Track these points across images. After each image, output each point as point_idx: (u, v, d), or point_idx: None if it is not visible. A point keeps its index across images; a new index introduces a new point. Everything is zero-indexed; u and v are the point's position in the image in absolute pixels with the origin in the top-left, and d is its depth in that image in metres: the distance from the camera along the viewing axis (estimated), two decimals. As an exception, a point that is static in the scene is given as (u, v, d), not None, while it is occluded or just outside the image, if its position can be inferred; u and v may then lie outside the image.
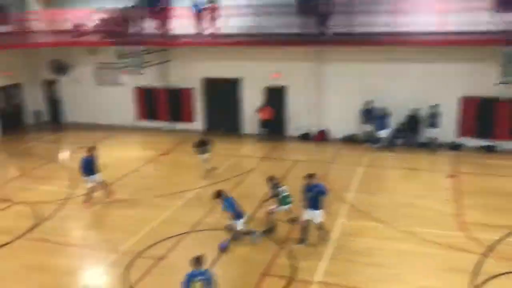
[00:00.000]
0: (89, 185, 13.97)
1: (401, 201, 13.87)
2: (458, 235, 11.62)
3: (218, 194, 11.39)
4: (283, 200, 11.84)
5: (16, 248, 11.54)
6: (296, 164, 17.58)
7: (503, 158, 17.56)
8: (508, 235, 11.54)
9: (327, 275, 10.08)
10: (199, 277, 7.81)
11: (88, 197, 14.02)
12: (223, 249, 10.96)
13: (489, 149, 18.40)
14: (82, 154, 14.10)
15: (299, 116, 21.02)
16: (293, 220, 12.09)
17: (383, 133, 18.96)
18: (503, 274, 9.86)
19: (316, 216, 11.05)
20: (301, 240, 11.28)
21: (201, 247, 10.88)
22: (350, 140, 20.22)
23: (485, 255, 10.63)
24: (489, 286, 9.53)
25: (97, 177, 14.06)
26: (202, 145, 16.45)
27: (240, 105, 21.90)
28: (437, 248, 11.09)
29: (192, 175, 16.68)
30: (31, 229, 12.50)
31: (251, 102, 21.41)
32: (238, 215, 11.27)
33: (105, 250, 11.31)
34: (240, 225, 11.28)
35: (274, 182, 12.04)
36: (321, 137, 20.64)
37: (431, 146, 18.68)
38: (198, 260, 7.97)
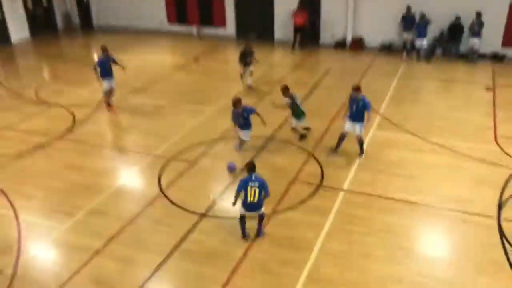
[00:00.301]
0: (105, 87, 13.92)
1: (436, 113, 13.57)
2: (492, 149, 11.42)
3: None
4: (296, 112, 11.69)
5: (54, 149, 12.00)
6: (328, 72, 17.20)
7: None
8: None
9: (355, 183, 10.18)
10: (256, 183, 7.94)
11: (107, 100, 14.12)
12: (232, 169, 10.61)
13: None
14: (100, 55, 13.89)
15: (334, 22, 20.20)
16: (302, 136, 11.98)
17: (423, 42, 18.15)
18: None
19: (357, 128, 10.97)
20: (336, 148, 11.33)
21: (232, 154, 11.11)
22: (387, 48, 19.52)
23: (518, 170, 10.50)
24: (519, 200, 9.51)
25: (113, 82, 14.00)
26: (245, 57, 15.33)
27: (272, 9, 21.09)
28: (469, 161, 10.97)
29: (224, 82, 16.58)
30: (67, 131, 12.90)
31: (284, 6, 20.57)
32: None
33: (139, 153, 11.65)
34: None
35: (288, 93, 11.57)
36: (357, 45, 19.95)
37: (472, 56, 17.85)
38: (252, 166, 8.06)
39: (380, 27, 19.49)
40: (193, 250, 8.26)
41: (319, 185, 10.12)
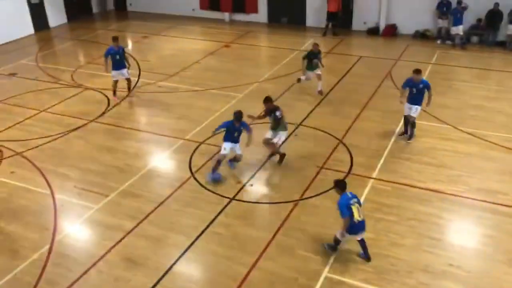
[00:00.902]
0: (114, 77, 13.80)
1: (470, 102, 13.30)
2: (527, 140, 11.16)
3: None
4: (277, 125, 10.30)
5: (89, 131, 12.33)
6: (360, 60, 17.01)
7: None
8: None
9: (384, 172, 10.14)
10: (354, 200, 7.39)
11: (114, 88, 13.98)
12: (213, 179, 9.91)
13: None
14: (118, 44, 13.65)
15: (368, 8, 19.90)
16: (281, 158, 10.49)
17: (459, 29, 17.70)
18: None
19: (413, 110, 10.97)
20: (405, 132, 11.36)
21: (259, 140, 11.16)
22: (422, 35, 19.14)
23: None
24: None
25: (125, 71, 13.86)
26: (311, 59, 13.38)
27: (305, -5, 20.94)
28: (502, 151, 10.75)
29: (255, 68, 16.62)
30: (102, 114, 13.22)
31: (317, -8, 20.39)
32: None
33: (171, 137, 11.86)
34: None
35: (270, 106, 10.21)
36: (390, 31, 19.63)
37: (510, 44, 17.32)
38: (344, 184, 7.51)
39: (415, 13, 19.09)
40: (221, 233, 8.43)
41: (348, 173, 10.11)
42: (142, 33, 14.19)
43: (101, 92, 14.62)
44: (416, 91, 10.85)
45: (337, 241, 7.68)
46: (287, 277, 7.45)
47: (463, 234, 8.47)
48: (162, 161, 11.08)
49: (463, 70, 16.03)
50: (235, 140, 9.98)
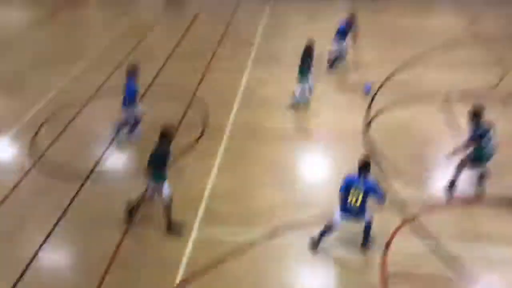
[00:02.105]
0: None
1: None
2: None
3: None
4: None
5: None
6: (198, 17, 16.81)
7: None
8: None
9: (239, 120, 10.48)
10: (359, 187, 6.60)
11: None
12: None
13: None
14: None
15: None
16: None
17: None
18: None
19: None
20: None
21: (108, 112, 10.56)
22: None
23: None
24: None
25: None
26: (305, 59, 10.86)
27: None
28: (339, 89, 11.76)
29: (89, 37, 15.51)
30: None
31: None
32: None
33: (6, 122, 10.67)
34: None
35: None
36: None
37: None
38: (367, 165, 6.69)
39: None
40: (80, 214, 7.94)
41: (204, 127, 10.20)
42: None
43: None
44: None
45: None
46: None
47: (316, 170, 9.17)
48: (1, 149, 9.98)
49: (294, 18, 16.77)
50: None
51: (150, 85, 11.91)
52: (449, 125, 9.91)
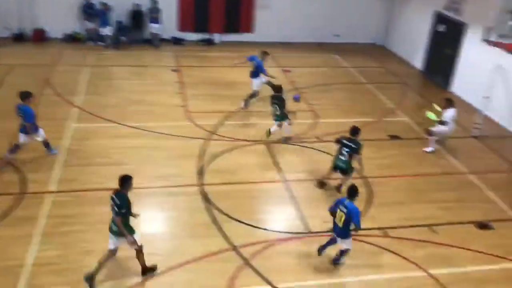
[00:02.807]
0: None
1: (131, 98, 14.04)
2: (186, 125, 12.61)
3: None
4: None
5: None
6: (13, 69, 15.60)
7: (221, 50, 19.28)
8: (225, 118, 13.11)
9: (61, 182, 9.79)
10: (343, 209, 7.58)
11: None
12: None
13: (209, 42, 19.89)
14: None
15: (8, 13, 18.28)
16: None
17: (107, 30, 18.31)
18: (222, 152, 11.35)
19: None
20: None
21: None
22: (72, 39, 18.89)
23: (208, 139, 11.93)
24: (212, 164, 10.88)
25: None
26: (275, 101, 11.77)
27: None
28: (168, 139, 11.85)
29: None
30: None
31: None
32: None
33: None
34: None
35: None
36: (38, 37, 18.63)
37: (155, 41, 19.02)
38: (354, 191, 7.67)
39: (62, 17, 18.63)
40: None
41: (23, 193, 9.31)
42: None
43: None
44: None
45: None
46: None
47: (151, 223, 9.00)
48: None
49: (119, 69, 16.70)
50: None
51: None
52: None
